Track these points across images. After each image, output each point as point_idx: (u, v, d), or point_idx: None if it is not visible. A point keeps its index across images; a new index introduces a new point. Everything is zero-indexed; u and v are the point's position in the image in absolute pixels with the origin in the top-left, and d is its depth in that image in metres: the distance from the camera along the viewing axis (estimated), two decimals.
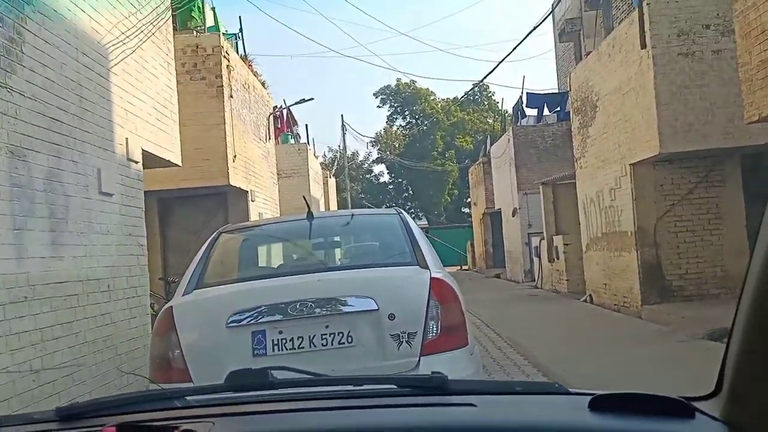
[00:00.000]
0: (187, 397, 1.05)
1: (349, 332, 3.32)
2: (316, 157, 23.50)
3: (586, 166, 11.96)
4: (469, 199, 31.67)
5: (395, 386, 1.06)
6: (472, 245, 27.10)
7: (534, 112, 18.59)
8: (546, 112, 18.40)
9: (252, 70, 12.58)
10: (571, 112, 13.18)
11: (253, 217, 11.01)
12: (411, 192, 42.40)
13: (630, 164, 9.78)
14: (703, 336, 7.22)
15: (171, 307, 3.51)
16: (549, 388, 1.08)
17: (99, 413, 1.05)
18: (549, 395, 1.06)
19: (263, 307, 3.38)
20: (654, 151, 8.86)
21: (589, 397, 0.91)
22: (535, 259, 16.28)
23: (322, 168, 24.76)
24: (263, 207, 12.27)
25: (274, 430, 0.89)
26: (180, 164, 7.63)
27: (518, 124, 19.18)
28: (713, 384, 0.89)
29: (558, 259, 14.17)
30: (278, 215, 13.03)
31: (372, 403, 1.03)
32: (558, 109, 17.74)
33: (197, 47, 9.68)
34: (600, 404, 0.89)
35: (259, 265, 4.51)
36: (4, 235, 3.95)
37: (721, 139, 8.61)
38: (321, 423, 0.92)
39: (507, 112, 24.95)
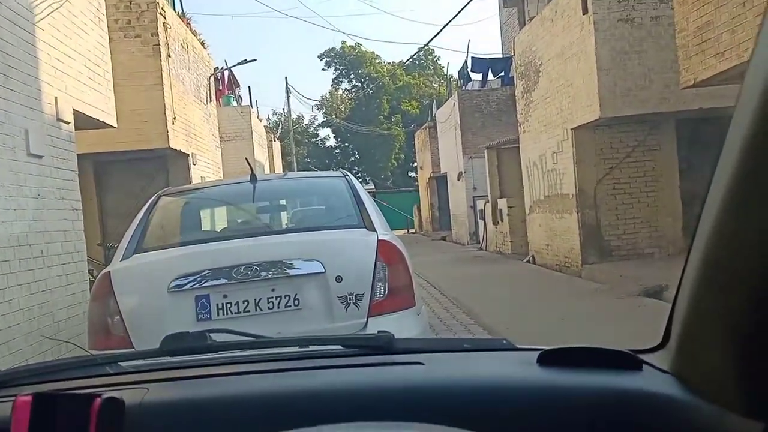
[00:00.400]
0: (120, 363, 0.99)
1: (295, 295, 3.29)
2: (260, 120, 23.00)
3: (529, 130, 12.13)
4: (415, 164, 31.78)
5: (341, 346, 1.03)
6: (419, 209, 27.32)
7: (479, 76, 18.65)
8: (490, 76, 18.49)
9: (191, 29, 12.10)
10: (515, 77, 13.28)
11: (195, 180, 10.73)
12: (357, 156, 42.21)
13: (571, 128, 9.97)
14: (639, 293, 7.53)
15: (109, 272, 3.39)
16: (497, 344, 1.07)
17: (18, 382, 0.98)
18: (497, 351, 1.05)
19: (207, 271, 3.30)
20: (594, 116, 9.05)
21: (538, 353, 0.90)
22: (480, 222, 16.55)
23: (267, 131, 24.29)
24: (205, 170, 11.97)
25: (213, 395, 0.84)
26: (115, 126, 7.31)
27: (463, 88, 19.23)
28: (654, 337, 0.90)
29: (502, 221, 14.44)
30: (221, 179, 12.75)
31: (317, 365, 0.99)
32: (502, 73, 17.85)
33: (131, 3, 9.22)
34: (548, 359, 0.88)
35: (202, 229, 4.39)
36: None
37: (657, 104, 8.85)
38: (264, 386, 0.88)
39: (452, 76, 24.95)
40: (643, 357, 0.86)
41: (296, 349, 1.04)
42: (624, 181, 9.93)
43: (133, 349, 0.90)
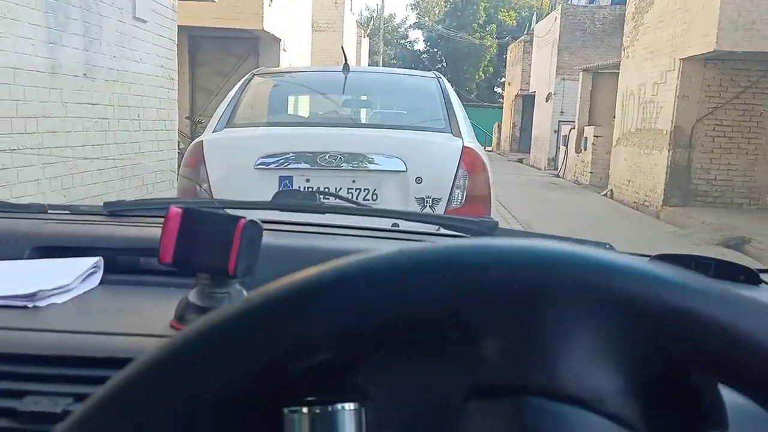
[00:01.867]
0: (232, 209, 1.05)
1: (374, 190, 3.33)
2: (353, 14, 22.55)
3: (633, 56, 11.40)
4: (503, 79, 30.69)
5: (443, 226, 1.04)
6: (500, 127, 26.67)
7: None
8: None
9: None
10: None
11: (284, 67, 10.76)
12: (445, 64, 41.07)
13: (680, 59, 9.30)
14: (718, 242, 7.23)
15: (201, 141, 3.52)
16: (601, 246, 1.05)
17: (147, 212, 1.05)
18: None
19: (291, 154, 3.37)
20: (709, 47, 8.37)
21: (648, 258, 0.89)
22: (562, 148, 16.05)
23: (357, 26, 23.86)
24: (295, 58, 11.97)
25: (320, 246, 0.88)
26: None
27: (569, 2, 18.09)
28: None
29: (585, 150, 13.95)
30: (313, 65, 12.73)
31: (417, 239, 1.01)
32: None
33: None
34: (662, 261, 0.87)
35: (290, 113, 4.45)
36: (39, 47, 3.88)
37: None
38: (364, 246, 0.91)
39: None
40: (762, 276, 0.83)
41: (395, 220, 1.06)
42: (726, 124, 9.30)
43: (249, 200, 0.94)
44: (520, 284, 0.25)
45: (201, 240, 0.61)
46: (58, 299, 0.71)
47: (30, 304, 0.68)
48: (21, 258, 0.84)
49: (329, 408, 0.51)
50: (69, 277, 0.75)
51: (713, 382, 0.51)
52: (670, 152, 9.51)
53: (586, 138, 13.90)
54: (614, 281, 0.25)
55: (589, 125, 14.07)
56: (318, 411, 0.50)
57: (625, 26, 12.05)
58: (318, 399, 0.51)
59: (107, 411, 0.27)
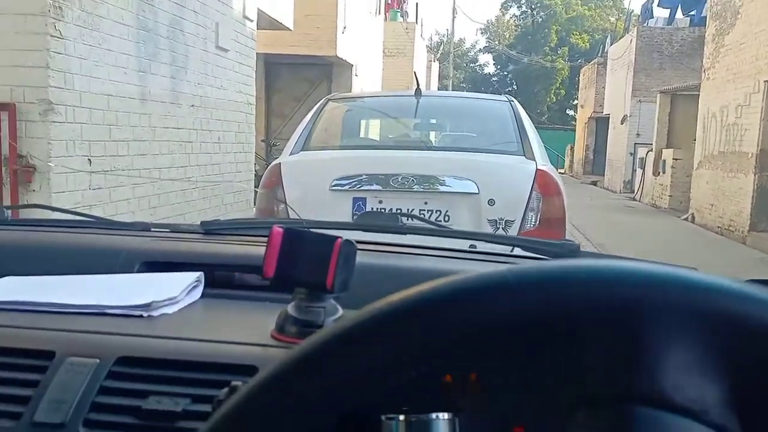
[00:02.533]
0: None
1: (446, 211, 3.34)
2: (422, 39, 22.80)
3: (714, 77, 10.98)
4: (575, 101, 30.14)
5: (523, 248, 1.06)
6: (572, 149, 26.15)
7: (665, 12, 17.00)
8: (679, 14, 16.77)
9: None
10: (708, 17, 11.94)
11: (356, 92, 10.98)
12: (515, 87, 40.78)
13: (765, 80, 8.89)
14: None
15: (279, 163, 3.64)
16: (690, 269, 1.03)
17: (240, 231, 1.12)
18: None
19: (364, 176, 3.44)
20: None
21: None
22: (638, 171, 15.55)
23: (427, 51, 24.09)
24: (366, 83, 12.20)
25: (404, 265, 0.91)
26: (291, 28, 7.61)
27: (645, 24, 17.65)
28: None
29: (664, 173, 13.46)
30: (385, 90, 12.93)
31: (495, 260, 1.03)
32: (693, 12, 16.10)
33: None
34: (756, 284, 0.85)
35: (363, 136, 4.54)
36: (131, 75, 4.15)
37: None
38: (446, 267, 0.93)
39: (632, 11, 22.92)
40: None
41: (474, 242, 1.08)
42: None
43: (334, 221, 0.98)
44: (628, 301, 0.27)
45: (301, 257, 0.65)
46: (168, 309, 0.77)
47: (145, 314, 0.74)
48: (132, 272, 0.92)
49: (425, 417, 0.53)
50: (176, 289, 0.81)
51: None
52: (756, 176, 9.06)
53: (665, 161, 13.42)
54: (714, 300, 0.27)
55: (667, 148, 13.60)
56: (414, 419, 0.53)
57: (705, 48, 11.64)
58: (414, 408, 0.54)
59: (248, 408, 0.31)
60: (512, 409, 0.60)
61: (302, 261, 0.66)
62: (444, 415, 0.54)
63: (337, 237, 0.65)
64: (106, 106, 3.94)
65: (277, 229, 0.66)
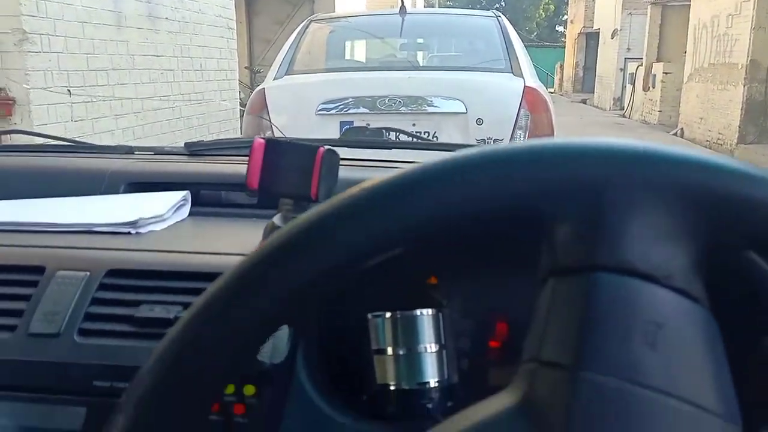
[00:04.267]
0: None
1: (435, 132, 3.33)
2: None
3: None
4: (565, 17, 29.41)
5: None
6: (562, 67, 25.74)
7: None
8: None
9: None
10: None
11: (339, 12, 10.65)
12: (503, 3, 39.61)
13: None
14: None
15: (264, 88, 3.58)
16: None
17: (224, 151, 1.11)
18: None
19: (351, 99, 3.40)
20: None
21: None
22: (628, 87, 15.39)
23: None
24: (350, 3, 11.81)
25: None
26: None
27: None
28: None
29: (653, 88, 13.34)
30: (370, 9, 12.53)
31: None
32: None
33: None
34: None
35: (347, 58, 4.45)
36: (105, 0, 3.99)
37: None
38: None
39: None
40: None
41: None
42: None
43: (318, 137, 0.98)
44: (592, 175, 0.28)
45: (283, 168, 0.65)
46: (156, 227, 0.78)
47: (133, 231, 0.75)
48: (117, 193, 0.92)
49: (409, 313, 0.55)
50: (163, 208, 0.82)
51: None
52: (746, 87, 9.00)
53: (655, 75, 13.27)
54: (682, 171, 0.28)
55: (657, 62, 13.41)
56: (399, 315, 0.56)
57: None
58: (398, 308, 0.56)
59: (223, 300, 0.31)
60: (490, 302, 0.62)
61: (285, 172, 0.66)
62: (428, 311, 0.56)
63: (320, 146, 0.65)
64: (81, 34, 3.81)
65: (259, 140, 0.66)
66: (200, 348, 0.30)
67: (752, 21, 8.84)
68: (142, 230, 0.75)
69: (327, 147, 0.65)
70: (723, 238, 0.28)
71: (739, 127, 9.12)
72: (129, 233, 0.74)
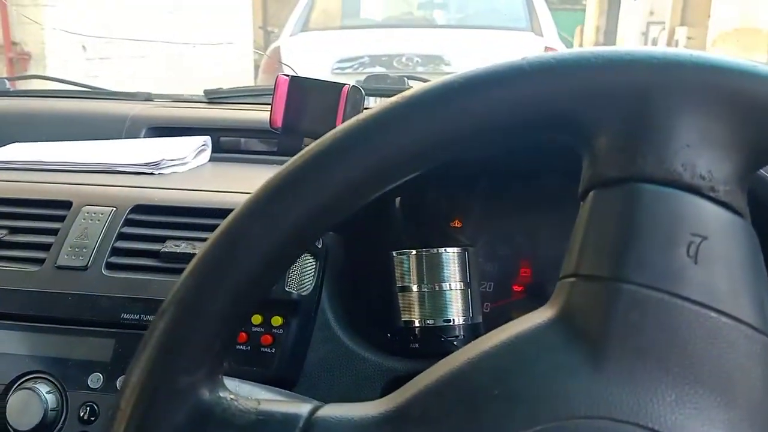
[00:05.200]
0: None
1: None
2: None
3: None
4: None
5: None
6: (582, 31, 25.23)
7: None
8: None
9: None
10: None
11: None
12: None
13: None
14: None
15: (279, 46, 3.55)
16: None
17: (244, 99, 1.10)
18: None
19: (366, 58, 3.36)
20: None
21: None
22: None
23: None
24: None
25: None
26: None
27: None
28: None
29: None
30: None
31: None
32: None
33: None
34: None
35: (363, 16, 4.38)
36: None
37: None
38: None
39: None
40: None
41: None
42: None
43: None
44: (635, 81, 0.27)
45: (308, 105, 0.64)
46: (178, 169, 0.78)
47: (156, 171, 0.75)
48: (138, 137, 0.92)
49: (434, 251, 0.55)
50: (184, 151, 0.81)
51: None
52: None
53: (677, 40, 12.96)
54: (726, 78, 0.27)
55: (681, 26, 13.08)
56: (425, 253, 0.55)
57: None
58: (425, 246, 0.56)
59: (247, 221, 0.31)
60: (514, 246, 0.62)
61: (309, 110, 0.65)
62: (454, 250, 0.56)
63: (344, 84, 0.64)
64: None
65: (283, 77, 0.65)
66: (242, 252, 0.30)
67: None
68: (164, 171, 0.75)
69: (352, 85, 0.64)
70: (767, 148, 0.28)
71: None
72: (152, 174, 0.74)
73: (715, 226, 0.27)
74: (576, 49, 0.30)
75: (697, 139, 0.27)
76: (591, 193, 0.28)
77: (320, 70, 3.38)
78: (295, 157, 0.31)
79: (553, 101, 0.28)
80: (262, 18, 10.58)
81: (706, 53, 0.29)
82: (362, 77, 3.50)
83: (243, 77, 5.76)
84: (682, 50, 0.29)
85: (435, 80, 0.30)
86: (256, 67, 5.76)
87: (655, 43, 14.36)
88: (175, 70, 4.61)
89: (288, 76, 0.66)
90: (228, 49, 5.63)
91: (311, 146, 0.31)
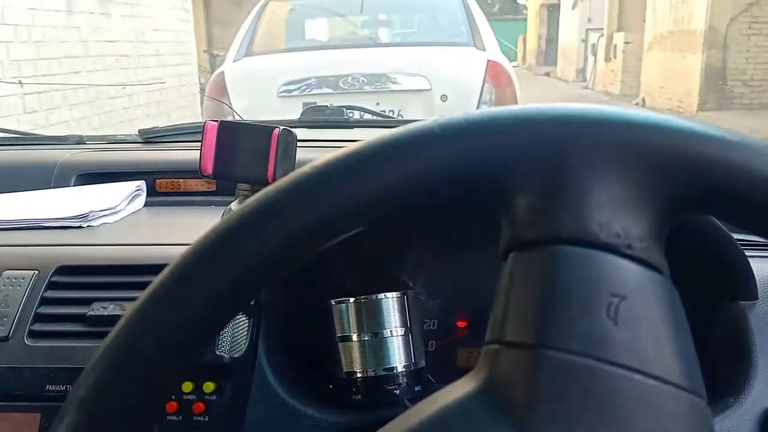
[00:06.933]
0: None
1: (399, 111, 3.31)
2: None
3: None
4: None
5: None
6: (525, 40, 25.81)
7: None
8: None
9: None
10: None
11: None
12: None
13: None
14: None
15: (223, 71, 3.51)
16: None
17: (180, 137, 1.08)
18: None
19: (313, 79, 3.35)
20: None
21: None
22: (590, 58, 15.52)
23: None
24: None
25: None
26: None
27: None
28: None
29: (615, 58, 13.47)
30: None
31: None
32: None
33: None
34: None
35: (308, 37, 4.38)
36: None
37: None
38: None
39: None
40: None
41: None
42: (762, 21, 8.85)
43: (275, 118, 0.95)
44: (548, 143, 0.27)
45: (238, 151, 0.63)
46: (109, 219, 0.75)
47: (84, 224, 0.71)
48: (68, 185, 0.88)
49: (374, 297, 0.54)
50: (116, 199, 0.78)
51: (741, 255, 0.53)
52: (705, 54, 9.15)
53: (616, 45, 13.39)
54: (638, 134, 0.27)
55: (618, 31, 13.52)
56: (364, 300, 0.54)
57: None
58: (363, 293, 0.55)
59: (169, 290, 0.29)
60: (456, 281, 0.61)
61: (241, 155, 0.63)
62: (393, 294, 0.55)
63: (275, 127, 0.62)
64: (31, 21, 3.67)
65: (211, 124, 0.63)
66: (147, 343, 0.28)
67: None
68: (93, 223, 0.72)
69: (282, 128, 0.63)
70: (680, 202, 0.27)
71: (699, 94, 9.28)
72: (80, 227, 0.71)
73: (633, 284, 0.26)
74: (487, 109, 0.29)
75: (611, 197, 0.26)
76: (511, 255, 0.28)
77: (266, 94, 3.36)
78: (214, 226, 0.30)
79: (465, 163, 0.27)
80: (206, 41, 10.49)
81: (617, 108, 0.29)
82: (309, 99, 3.48)
83: (187, 111, 5.70)
84: (592, 106, 0.29)
85: (349, 147, 0.29)
86: (202, 89, 5.71)
87: (594, 48, 14.81)
88: (118, 97, 4.52)
89: (216, 121, 0.64)
90: (176, 76, 5.55)
91: (228, 218, 0.30)
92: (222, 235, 0.29)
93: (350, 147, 0.29)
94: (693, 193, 0.27)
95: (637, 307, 0.26)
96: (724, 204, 0.27)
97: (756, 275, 0.53)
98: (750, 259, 0.52)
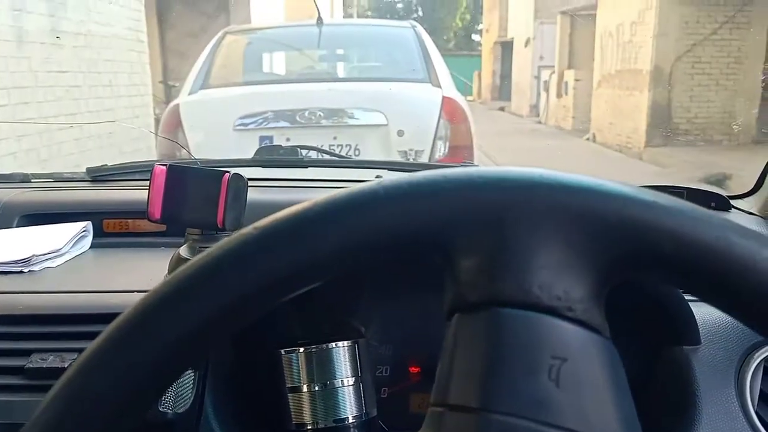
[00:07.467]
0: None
1: (356, 145, 3.33)
2: None
3: None
4: (480, 26, 30.27)
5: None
6: (480, 76, 26.45)
7: None
8: None
9: None
10: None
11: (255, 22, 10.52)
12: (421, 13, 40.33)
13: None
14: (700, 179, 7.33)
15: (178, 104, 3.48)
16: None
17: (129, 176, 1.06)
18: None
19: (269, 113, 3.36)
20: None
21: None
22: (543, 94, 15.99)
23: None
24: (267, 14, 11.69)
25: (303, 200, 0.90)
26: None
27: None
28: None
29: (566, 94, 13.91)
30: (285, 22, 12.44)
31: None
32: None
33: None
34: None
35: (265, 71, 4.40)
36: (3, 14, 3.77)
37: None
38: None
39: None
40: (733, 202, 0.87)
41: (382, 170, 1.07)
42: (705, 61, 9.30)
43: (230, 158, 0.95)
44: (490, 207, 0.27)
45: (188, 195, 0.62)
46: (52, 263, 0.72)
47: (25, 269, 0.69)
48: (10, 227, 0.85)
49: (325, 346, 0.53)
50: (60, 241, 0.76)
51: (683, 301, 0.54)
52: (651, 92, 9.54)
53: (566, 82, 13.84)
54: (577, 198, 0.28)
55: (569, 69, 13.99)
56: (314, 349, 0.53)
57: None
58: (313, 342, 0.54)
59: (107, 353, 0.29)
60: (408, 327, 0.61)
61: (190, 200, 0.62)
62: (344, 343, 0.54)
63: (225, 172, 0.62)
64: None
65: (159, 168, 0.62)
66: (88, 401, 0.27)
67: (654, 28, 9.38)
68: (35, 268, 0.70)
69: (233, 173, 0.62)
70: (619, 265, 0.28)
71: (646, 130, 9.64)
72: (21, 272, 0.69)
73: (574, 346, 0.27)
74: (430, 172, 0.29)
75: (552, 260, 0.27)
76: (455, 316, 0.28)
77: (222, 128, 3.34)
78: (154, 288, 0.30)
79: (408, 226, 0.28)
80: (161, 72, 10.40)
81: (556, 172, 0.29)
82: (266, 132, 3.48)
83: (141, 143, 5.61)
84: (533, 170, 0.29)
85: (294, 207, 0.29)
86: (157, 121, 5.64)
87: (547, 85, 15.26)
88: (62, 140, 4.42)
89: (165, 165, 0.63)
90: (129, 107, 5.47)
91: (170, 278, 0.29)
92: (165, 297, 0.29)
93: (296, 207, 0.29)
94: (629, 257, 0.28)
95: (578, 369, 0.26)
96: (657, 267, 0.28)
97: (698, 320, 0.54)
98: (692, 304, 0.54)
